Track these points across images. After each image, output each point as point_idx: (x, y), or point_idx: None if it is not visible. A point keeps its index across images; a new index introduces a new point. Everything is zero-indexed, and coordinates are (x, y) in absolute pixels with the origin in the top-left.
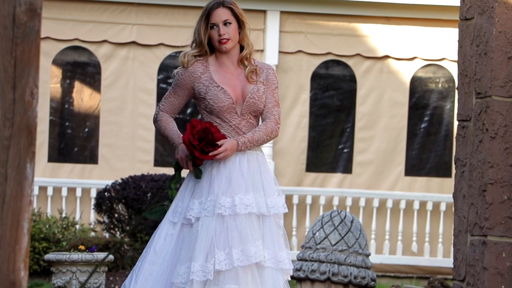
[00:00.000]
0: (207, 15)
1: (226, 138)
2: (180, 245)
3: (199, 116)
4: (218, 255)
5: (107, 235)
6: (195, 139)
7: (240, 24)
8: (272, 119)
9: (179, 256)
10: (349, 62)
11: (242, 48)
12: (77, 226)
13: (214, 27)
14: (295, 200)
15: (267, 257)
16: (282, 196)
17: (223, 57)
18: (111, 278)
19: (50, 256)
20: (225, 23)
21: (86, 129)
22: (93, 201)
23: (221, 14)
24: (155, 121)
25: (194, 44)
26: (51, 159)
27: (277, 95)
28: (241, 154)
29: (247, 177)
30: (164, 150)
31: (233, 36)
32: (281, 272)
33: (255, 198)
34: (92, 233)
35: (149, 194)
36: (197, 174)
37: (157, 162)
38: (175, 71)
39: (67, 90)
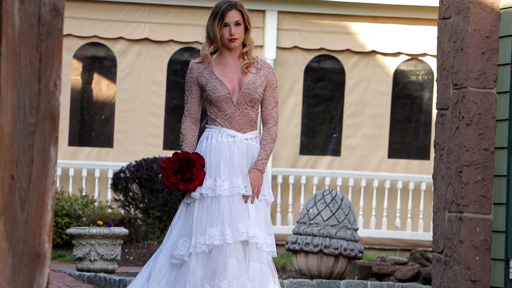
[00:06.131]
0: (221, 15)
1: (199, 155)
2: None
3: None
4: (209, 232)
5: (122, 211)
6: (172, 177)
7: (247, 26)
8: (272, 122)
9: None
10: (339, 56)
11: (243, 46)
12: (96, 204)
13: (227, 26)
14: (291, 180)
15: (250, 234)
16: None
17: (226, 53)
18: (126, 250)
19: (71, 230)
20: (236, 24)
21: (103, 116)
22: (110, 181)
23: (234, 16)
24: (181, 131)
25: (208, 40)
26: (71, 143)
27: (276, 95)
28: (232, 143)
29: (236, 162)
30: (172, 135)
31: (240, 36)
32: (262, 249)
33: (243, 181)
34: (109, 210)
35: (160, 175)
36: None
37: (166, 146)
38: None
39: (86, 82)
